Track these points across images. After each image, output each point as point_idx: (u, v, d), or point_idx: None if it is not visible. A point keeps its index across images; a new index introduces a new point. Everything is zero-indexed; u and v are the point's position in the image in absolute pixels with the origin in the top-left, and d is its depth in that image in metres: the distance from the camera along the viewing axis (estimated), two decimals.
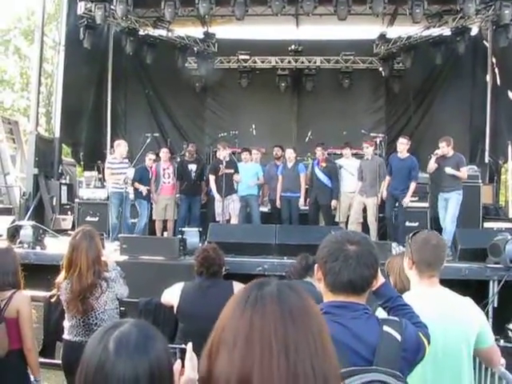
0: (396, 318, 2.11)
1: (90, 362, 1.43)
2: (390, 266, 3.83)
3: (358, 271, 2.01)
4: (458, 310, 2.74)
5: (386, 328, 2.00)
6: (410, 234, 2.92)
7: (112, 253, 4.66)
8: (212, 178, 10.14)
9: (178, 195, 10.62)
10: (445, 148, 9.04)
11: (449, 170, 8.99)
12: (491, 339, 2.84)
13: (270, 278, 1.36)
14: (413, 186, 9.48)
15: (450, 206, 9.02)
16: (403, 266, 3.74)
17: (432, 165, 9.22)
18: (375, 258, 2.08)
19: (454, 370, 2.66)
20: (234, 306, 1.27)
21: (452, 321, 2.68)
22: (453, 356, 2.65)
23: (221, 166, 9.85)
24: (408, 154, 9.72)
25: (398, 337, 1.99)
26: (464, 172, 9.15)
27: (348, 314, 2.00)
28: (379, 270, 2.17)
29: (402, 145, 9.68)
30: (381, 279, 2.23)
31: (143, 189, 10.12)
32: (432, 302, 2.72)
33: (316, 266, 2.13)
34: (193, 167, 10.80)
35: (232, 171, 9.94)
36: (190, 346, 1.90)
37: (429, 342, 2.18)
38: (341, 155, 11.03)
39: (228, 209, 9.98)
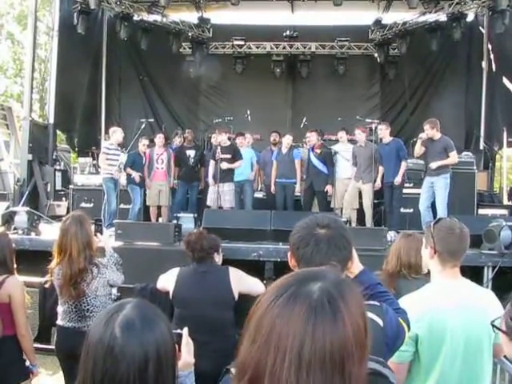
0: (376, 303, 2.06)
1: (98, 349, 1.45)
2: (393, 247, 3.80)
3: (329, 255, 1.95)
4: (481, 302, 2.72)
5: (367, 314, 1.96)
6: (432, 223, 2.83)
7: (109, 239, 4.65)
8: (212, 163, 10.13)
9: (175, 181, 10.60)
10: (429, 131, 8.94)
11: (434, 165, 8.95)
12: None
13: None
14: (403, 165, 9.49)
15: (438, 192, 8.97)
16: (407, 248, 3.73)
17: (418, 149, 9.16)
18: (347, 239, 2.03)
19: (475, 361, 2.65)
20: (267, 296, 1.15)
21: (475, 313, 2.66)
22: (474, 347, 2.63)
23: (217, 151, 9.83)
24: (391, 138, 9.81)
25: (380, 322, 1.96)
26: (453, 157, 8.99)
27: None
28: (354, 252, 2.13)
29: (382, 131, 9.76)
30: (359, 266, 2.19)
31: (135, 175, 10.09)
32: (455, 293, 2.69)
33: (289, 253, 2.07)
34: (191, 153, 10.79)
35: (228, 157, 9.88)
36: (185, 331, 1.91)
37: (409, 328, 2.15)
38: (336, 141, 11.02)
39: (221, 196, 9.95)
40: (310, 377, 1.05)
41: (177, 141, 11.54)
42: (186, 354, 1.88)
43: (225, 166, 9.78)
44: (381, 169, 9.67)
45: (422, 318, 2.60)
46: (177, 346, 1.78)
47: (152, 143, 10.78)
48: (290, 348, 1.06)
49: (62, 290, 4.10)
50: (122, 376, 1.42)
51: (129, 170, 10.10)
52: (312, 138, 10.43)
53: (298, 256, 2.01)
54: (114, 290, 4.41)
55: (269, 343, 1.08)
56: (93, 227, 4.55)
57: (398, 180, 9.44)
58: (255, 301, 1.20)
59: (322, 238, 1.98)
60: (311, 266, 1.93)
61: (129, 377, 1.42)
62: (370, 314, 1.96)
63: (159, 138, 10.67)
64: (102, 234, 4.56)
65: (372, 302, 2.08)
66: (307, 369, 1.06)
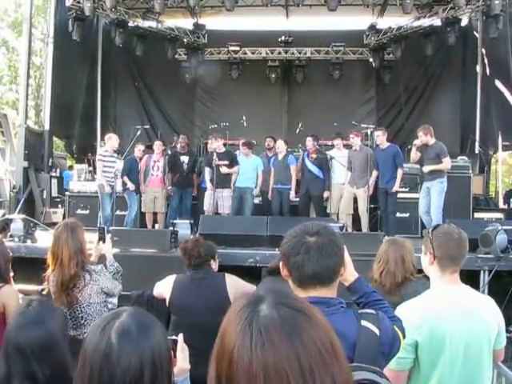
0: (372, 311, 2.08)
1: (95, 356, 1.46)
2: (383, 255, 3.82)
3: (321, 262, 1.97)
4: (480, 308, 2.73)
5: (364, 323, 1.98)
6: (430, 229, 2.85)
7: (111, 247, 4.64)
8: (207, 170, 10.11)
9: (169, 187, 10.59)
10: (423, 137, 8.97)
11: (426, 169, 8.98)
12: (504, 342, 2.82)
13: (259, 292, 1.25)
14: (400, 172, 9.49)
15: (433, 196, 8.97)
16: (399, 256, 3.77)
17: (414, 155, 9.19)
18: (337, 245, 2.03)
19: (475, 367, 2.65)
20: (237, 334, 1.16)
21: (475, 319, 2.66)
22: (474, 353, 2.64)
23: (212, 157, 9.82)
24: (388, 144, 9.79)
25: (377, 331, 1.98)
26: (445, 162, 8.97)
27: (325, 310, 1.93)
28: (349, 260, 2.15)
29: (379, 137, 9.73)
30: (354, 275, 2.21)
31: (131, 186, 10.12)
32: (454, 300, 2.70)
33: (281, 263, 2.09)
34: (185, 159, 10.78)
35: (226, 163, 9.87)
36: (181, 338, 1.93)
37: (404, 336, 2.16)
38: (332, 146, 11.02)
39: (218, 202, 9.92)
40: (313, 374, 1.10)
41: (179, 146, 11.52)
42: (181, 360, 1.91)
43: (224, 170, 9.79)
44: (374, 173, 9.67)
45: (422, 324, 2.60)
46: (172, 353, 1.79)
47: (148, 149, 10.78)
48: (290, 369, 1.10)
49: (55, 296, 4.10)
50: (118, 383, 1.43)
51: (125, 178, 10.10)
52: (308, 143, 10.45)
53: (289, 265, 2.03)
54: (115, 300, 4.39)
55: (269, 380, 1.10)
56: (96, 235, 4.56)
57: (395, 188, 9.46)
58: None
59: (312, 245, 1.98)
60: (303, 274, 1.99)
61: (125, 383, 1.43)
62: (366, 323, 1.97)
63: (157, 145, 10.65)
64: (104, 242, 4.55)
65: (368, 310, 2.09)
66: (310, 369, 1.11)
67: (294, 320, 1.16)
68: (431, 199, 8.98)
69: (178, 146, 11.21)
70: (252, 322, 1.16)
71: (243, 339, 1.14)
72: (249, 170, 10.27)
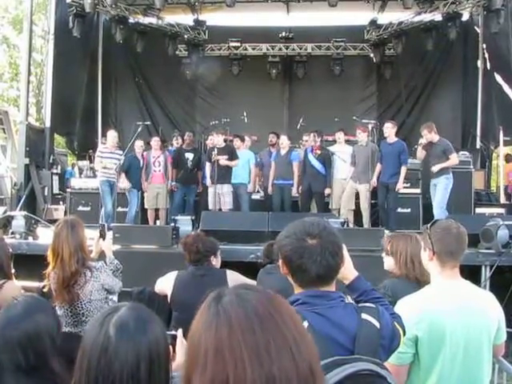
0: (372, 305, 2.09)
1: (93, 349, 1.49)
2: (394, 249, 3.71)
3: (324, 264, 1.98)
4: (480, 303, 2.73)
5: (364, 315, 2.00)
6: (428, 225, 2.84)
7: (111, 245, 4.62)
8: (208, 165, 10.10)
9: (173, 183, 10.58)
10: (427, 135, 9.02)
11: (436, 168, 8.98)
12: (505, 336, 2.82)
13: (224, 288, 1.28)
14: (404, 170, 9.48)
15: (438, 192, 9.00)
16: (413, 252, 3.63)
17: (420, 154, 9.23)
18: (338, 245, 2.05)
19: (475, 362, 2.65)
20: (198, 326, 1.22)
21: (475, 314, 2.66)
22: (474, 348, 2.64)
23: (213, 152, 9.80)
24: (396, 139, 9.76)
25: (377, 324, 1.99)
26: (453, 159, 9.04)
27: (325, 303, 1.99)
28: (348, 259, 2.16)
29: (388, 129, 9.69)
30: (354, 273, 2.22)
31: (124, 184, 10.08)
32: (454, 295, 2.70)
33: (280, 261, 2.09)
34: (189, 156, 10.78)
35: (226, 157, 9.81)
36: (180, 333, 1.94)
37: (404, 333, 2.17)
38: (332, 142, 11.01)
39: (219, 199, 9.91)
40: (270, 353, 1.12)
41: (175, 143, 11.54)
42: (181, 355, 1.91)
43: (223, 162, 9.73)
44: (378, 166, 9.65)
45: (422, 319, 2.60)
46: (171, 348, 1.81)
47: (148, 146, 10.79)
48: (244, 345, 1.12)
49: (56, 293, 4.10)
50: (116, 375, 1.46)
51: (122, 175, 10.07)
52: (309, 139, 10.42)
53: (291, 267, 2.04)
54: (115, 298, 4.39)
55: (222, 355, 1.13)
56: (98, 232, 4.55)
57: (399, 186, 9.44)
58: None
59: (315, 249, 1.99)
60: (306, 277, 2.01)
61: (122, 376, 1.46)
62: (366, 316, 1.99)
63: (155, 141, 10.68)
64: (104, 239, 4.55)
65: (367, 304, 2.10)
66: (266, 348, 1.12)
67: (253, 300, 1.19)
68: (436, 194, 9.00)
69: (175, 142, 11.22)
70: (211, 306, 1.21)
71: (204, 323, 1.20)
72: (239, 164, 10.19)
